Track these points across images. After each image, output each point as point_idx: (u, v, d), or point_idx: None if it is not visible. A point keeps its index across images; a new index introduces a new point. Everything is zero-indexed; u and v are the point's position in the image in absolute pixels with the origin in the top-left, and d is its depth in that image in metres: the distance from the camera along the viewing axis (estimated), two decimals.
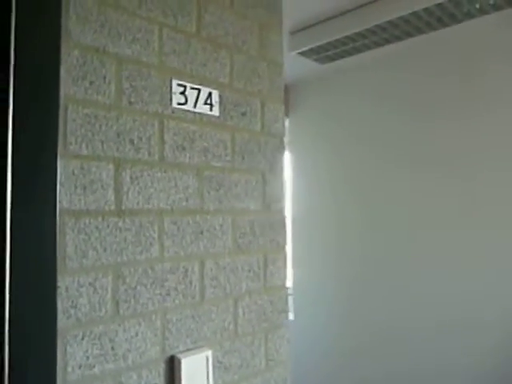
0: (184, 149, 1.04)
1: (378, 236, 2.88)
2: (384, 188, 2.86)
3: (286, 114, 3.42)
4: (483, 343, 2.37)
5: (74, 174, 0.84)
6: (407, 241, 2.74)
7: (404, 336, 2.72)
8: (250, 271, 1.17)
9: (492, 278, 2.36)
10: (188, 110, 1.05)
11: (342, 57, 2.66)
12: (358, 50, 2.56)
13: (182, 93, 1.04)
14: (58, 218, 0.79)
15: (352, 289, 3.01)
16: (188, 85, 1.06)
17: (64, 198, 0.82)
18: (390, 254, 2.82)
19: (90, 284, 0.85)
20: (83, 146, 0.86)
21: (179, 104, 1.03)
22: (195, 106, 1.07)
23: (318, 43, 2.43)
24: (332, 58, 2.68)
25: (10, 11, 0.75)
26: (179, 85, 1.04)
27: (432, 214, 2.62)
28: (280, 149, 1.30)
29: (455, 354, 2.48)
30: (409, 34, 2.35)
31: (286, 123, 3.42)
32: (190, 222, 1.04)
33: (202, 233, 1.06)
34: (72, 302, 0.82)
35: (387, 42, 2.43)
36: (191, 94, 1.06)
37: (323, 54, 2.59)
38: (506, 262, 2.31)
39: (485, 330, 2.37)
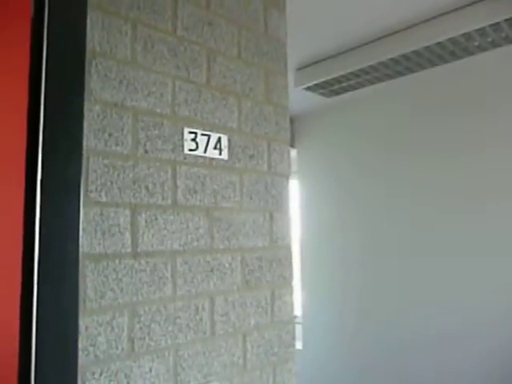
0: (195, 192, 1.10)
1: (383, 262, 2.92)
2: (388, 216, 2.91)
3: (293, 145, 3.50)
4: (484, 347, 2.41)
5: (94, 219, 0.91)
6: (410, 266, 2.77)
7: (409, 361, 2.72)
8: (258, 306, 1.22)
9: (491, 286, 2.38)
10: (199, 156, 1.13)
11: (347, 91, 2.75)
12: (361, 85, 2.65)
13: (193, 139, 1.12)
14: (80, 262, 0.85)
15: (358, 316, 3.03)
16: (199, 131, 1.14)
17: (85, 242, 0.89)
18: (394, 279, 2.84)
19: (107, 323, 0.91)
20: (102, 193, 0.93)
21: (190, 150, 1.11)
22: (205, 151, 1.14)
23: (323, 79, 2.52)
24: (337, 92, 2.77)
25: (41, 74, 0.83)
26: (190, 132, 1.12)
27: (434, 237, 2.66)
28: (286, 187, 1.36)
29: (458, 361, 2.51)
30: (410, 70, 2.43)
31: (294, 153, 3.50)
32: (201, 261, 1.10)
33: (212, 271, 1.12)
34: (91, 340, 0.88)
35: (390, 77, 2.51)
36: (202, 140, 1.14)
37: (328, 88, 2.69)
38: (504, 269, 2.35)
39: (485, 334, 2.41)
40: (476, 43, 2.14)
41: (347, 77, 2.52)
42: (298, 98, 2.94)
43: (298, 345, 3.36)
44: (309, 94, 2.80)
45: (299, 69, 2.63)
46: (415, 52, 2.21)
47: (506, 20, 1.93)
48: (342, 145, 3.23)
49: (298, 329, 3.38)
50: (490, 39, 2.10)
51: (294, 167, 3.48)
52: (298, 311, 3.43)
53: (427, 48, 2.16)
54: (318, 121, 3.38)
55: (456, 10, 2.00)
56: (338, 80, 2.56)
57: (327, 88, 2.69)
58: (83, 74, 0.91)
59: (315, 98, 2.94)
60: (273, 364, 1.24)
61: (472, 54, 2.24)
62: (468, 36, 2.05)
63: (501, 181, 2.42)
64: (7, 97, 0.82)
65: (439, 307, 2.63)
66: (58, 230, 0.83)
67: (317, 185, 3.38)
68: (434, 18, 2.07)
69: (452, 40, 2.08)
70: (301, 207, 3.46)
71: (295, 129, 3.52)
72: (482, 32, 2.02)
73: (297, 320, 3.45)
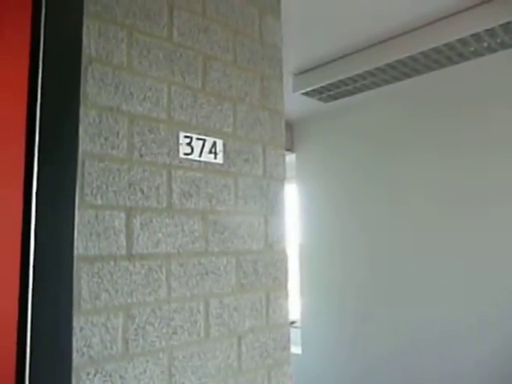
0: (190, 195, 1.12)
1: (383, 266, 2.92)
2: (388, 219, 2.92)
3: (292, 150, 3.52)
4: (485, 348, 2.42)
5: (89, 222, 0.92)
6: (410, 270, 2.78)
7: (409, 366, 2.72)
8: (253, 309, 1.23)
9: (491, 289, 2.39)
10: (194, 160, 1.14)
11: (344, 96, 2.76)
12: (358, 90, 2.66)
13: (189, 144, 1.13)
14: (74, 264, 0.86)
15: (357, 320, 3.03)
16: (194, 136, 1.15)
17: (80, 244, 0.90)
18: (395, 283, 2.85)
19: (102, 324, 0.92)
20: (98, 196, 0.95)
21: (186, 154, 1.12)
22: (200, 155, 1.16)
23: (321, 84, 2.54)
24: (334, 98, 2.79)
25: (37, 79, 0.85)
26: (186, 136, 1.13)
27: (435, 240, 2.67)
28: (281, 191, 1.38)
29: (459, 363, 2.51)
30: (407, 75, 2.45)
31: (293, 158, 3.52)
32: (196, 263, 1.11)
33: (207, 274, 1.13)
34: (85, 341, 0.89)
35: (386, 82, 2.53)
36: (197, 145, 1.15)
37: (326, 93, 2.71)
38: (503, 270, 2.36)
39: (485, 335, 2.42)
40: (472, 48, 2.16)
41: (344, 82, 2.54)
42: (297, 103, 2.96)
43: (298, 350, 3.36)
44: (307, 99, 2.82)
45: (297, 74, 2.66)
46: (411, 57, 2.22)
47: (501, 25, 1.95)
48: (341, 149, 3.25)
49: (297, 334, 3.38)
50: (485, 44, 2.12)
51: (293, 172, 3.50)
52: (296, 316, 3.44)
53: (423, 53, 2.18)
54: (317, 126, 3.40)
55: (451, 15, 2.02)
56: (335, 85, 2.58)
57: (325, 93, 2.71)
58: (79, 79, 0.93)
59: (313, 103, 2.96)
60: (268, 367, 1.25)
61: (468, 59, 2.26)
62: (464, 41, 2.07)
63: (502, 182, 2.43)
64: (5, 102, 0.84)
65: (439, 310, 2.63)
66: (54, 232, 0.84)
67: (316, 189, 3.39)
68: (430, 23, 2.09)
69: (448, 45, 2.10)
70: (300, 212, 3.47)
71: (294, 134, 3.54)
72: (477, 37, 2.04)
73: (296, 325, 3.45)
